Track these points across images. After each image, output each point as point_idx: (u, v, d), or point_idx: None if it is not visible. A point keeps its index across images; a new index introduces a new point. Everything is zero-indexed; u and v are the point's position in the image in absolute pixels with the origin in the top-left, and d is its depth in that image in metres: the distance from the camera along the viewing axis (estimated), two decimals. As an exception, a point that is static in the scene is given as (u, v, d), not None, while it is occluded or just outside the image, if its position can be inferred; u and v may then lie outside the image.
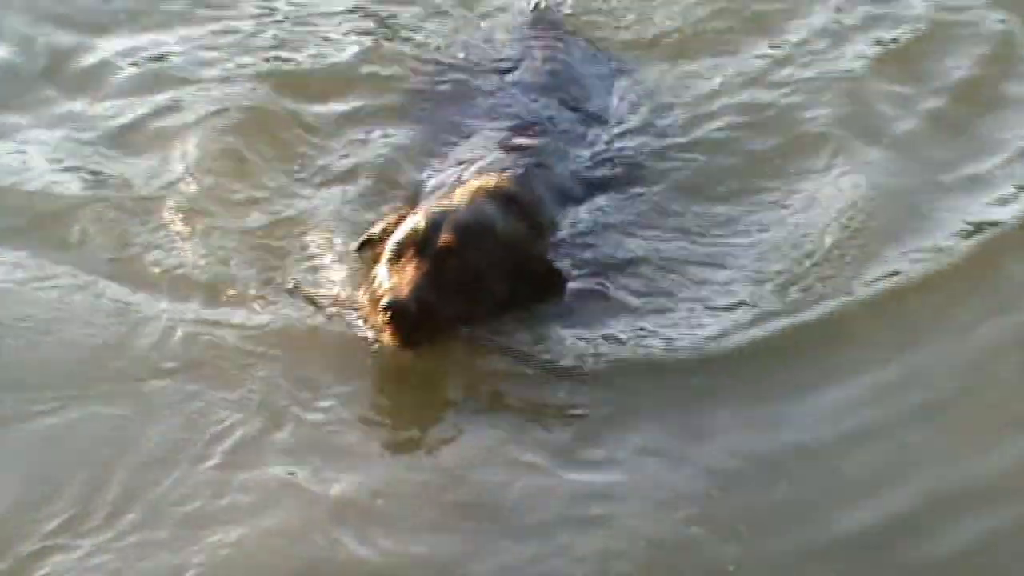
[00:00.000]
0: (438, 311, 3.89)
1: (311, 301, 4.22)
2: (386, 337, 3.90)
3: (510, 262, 4.13)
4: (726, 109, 5.68)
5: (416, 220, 4.09)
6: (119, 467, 3.69)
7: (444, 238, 3.99)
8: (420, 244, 4.00)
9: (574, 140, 5.02)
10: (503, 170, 4.53)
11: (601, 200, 4.73)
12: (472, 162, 4.70)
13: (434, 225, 4.04)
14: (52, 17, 6.42)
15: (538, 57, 5.63)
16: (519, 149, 4.74)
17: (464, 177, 4.55)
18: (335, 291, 4.25)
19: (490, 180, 4.42)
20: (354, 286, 4.25)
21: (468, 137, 5.05)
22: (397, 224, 4.19)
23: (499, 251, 4.13)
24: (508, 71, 5.61)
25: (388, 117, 5.55)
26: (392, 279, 3.96)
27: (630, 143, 5.20)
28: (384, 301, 3.84)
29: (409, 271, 3.94)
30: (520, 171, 4.55)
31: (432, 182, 4.74)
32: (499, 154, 4.71)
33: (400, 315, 3.82)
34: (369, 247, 4.31)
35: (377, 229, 4.32)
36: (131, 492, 3.60)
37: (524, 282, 4.14)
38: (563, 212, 4.58)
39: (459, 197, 4.29)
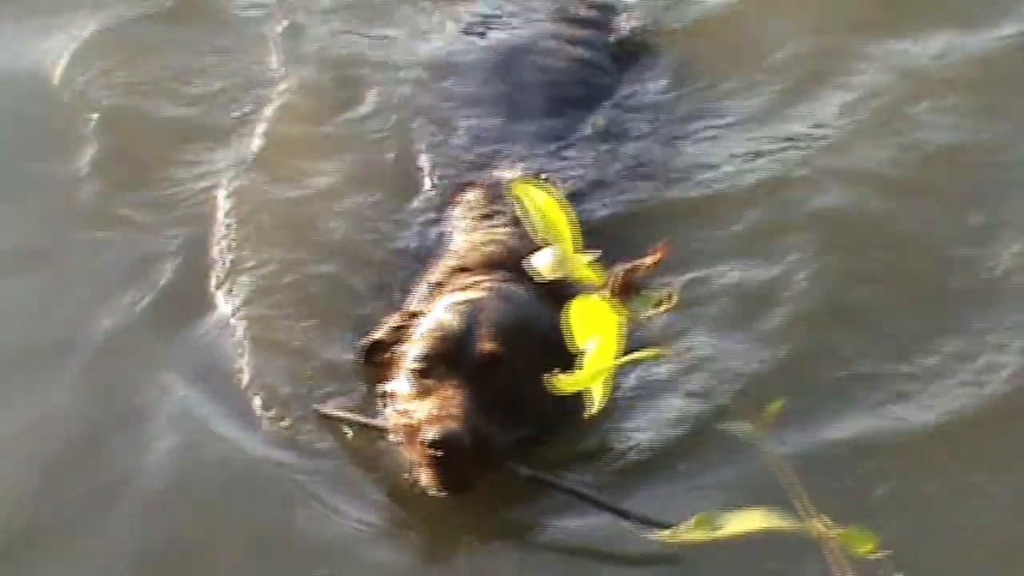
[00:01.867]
0: (493, 441, 3.11)
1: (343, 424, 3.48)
2: (431, 479, 3.10)
3: (558, 361, 3.29)
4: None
5: (441, 320, 3.31)
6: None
7: (485, 344, 3.22)
8: (454, 353, 3.22)
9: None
10: (508, 226, 3.73)
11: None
12: (468, 219, 3.93)
13: (467, 326, 3.26)
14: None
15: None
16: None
17: (467, 242, 3.79)
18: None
19: (503, 248, 3.65)
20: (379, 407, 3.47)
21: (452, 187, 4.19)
22: (407, 325, 3.43)
23: (546, 348, 2.87)
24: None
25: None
26: (428, 403, 3.13)
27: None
28: (428, 436, 3.01)
29: (449, 393, 3.12)
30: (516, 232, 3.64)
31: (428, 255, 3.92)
32: (493, 205, 3.90)
33: (452, 454, 3.00)
34: (373, 355, 3.50)
35: (381, 333, 3.51)
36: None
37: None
38: None
39: (478, 281, 3.50)
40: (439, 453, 2.99)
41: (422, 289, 3.65)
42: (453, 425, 3.01)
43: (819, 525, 1.54)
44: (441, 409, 3.06)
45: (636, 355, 1.71)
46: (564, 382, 1.65)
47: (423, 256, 3.92)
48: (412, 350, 3.28)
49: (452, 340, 3.23)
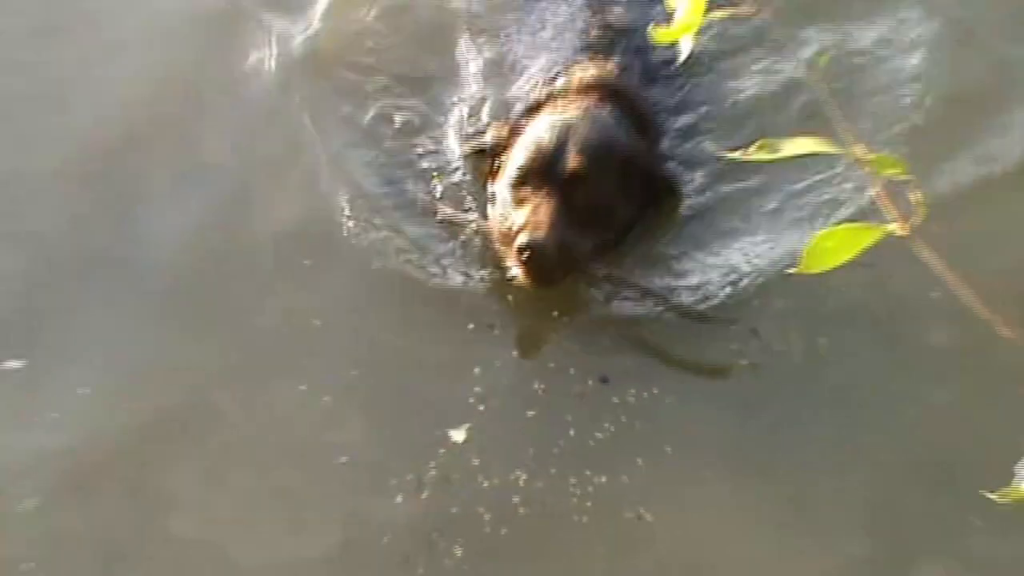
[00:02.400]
0: (576, 247, 3.59)
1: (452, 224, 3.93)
2: (523, 275, 3.58)
3: (637, 180, 3.77)
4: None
5: (538, 138, 3.72)
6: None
7: (573, 162, 3.62)
8: (546, 168, 3.64)
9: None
10: (602, 56, 4.11)
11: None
12: (564, 50, 4.23)
13: (559, 145, 3.66)
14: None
15: None
16: (609, 28, 4.27)
17: (564, 69, 4.10)
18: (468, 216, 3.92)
19: (596, 75, 4.01)
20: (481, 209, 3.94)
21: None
22: (509, 137, 3.87)
23: (626, 168, 3.75)
24: None
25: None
26: (523, 213, 3.61)
27: None
28: (521, 241, 3.50)
29: (540, 204, 3.58)
30: (620, 59, 4.11)
31: (530, 73, 4.25)
32: (592, 34, 4.25)
33: (539, 257, 3.50)
34: (479, 157, 3.99)
35: (488, 139, 3.96)
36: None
37: (648, 198, 3.82)
38: (665, 98, 4.22)
39: (572, 103, 3.87)
40: (529, 255, 3.50)
41: (527, 103, 4.04)
42: (540, 233, 3.50)
43: (858, 151, 1.83)
44: (532, 218, 3.56)
45: (721, 12, 2.00)
46: (661, 34, 1.90)
47: (530, 72, 4.26)
48: (512, 162, 3.74)
49: (545, 156, 3.66)
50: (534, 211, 3.58)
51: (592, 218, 3.66)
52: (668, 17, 1.91)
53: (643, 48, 4.19)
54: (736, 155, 1.91)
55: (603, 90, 3.93)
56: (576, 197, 3.62)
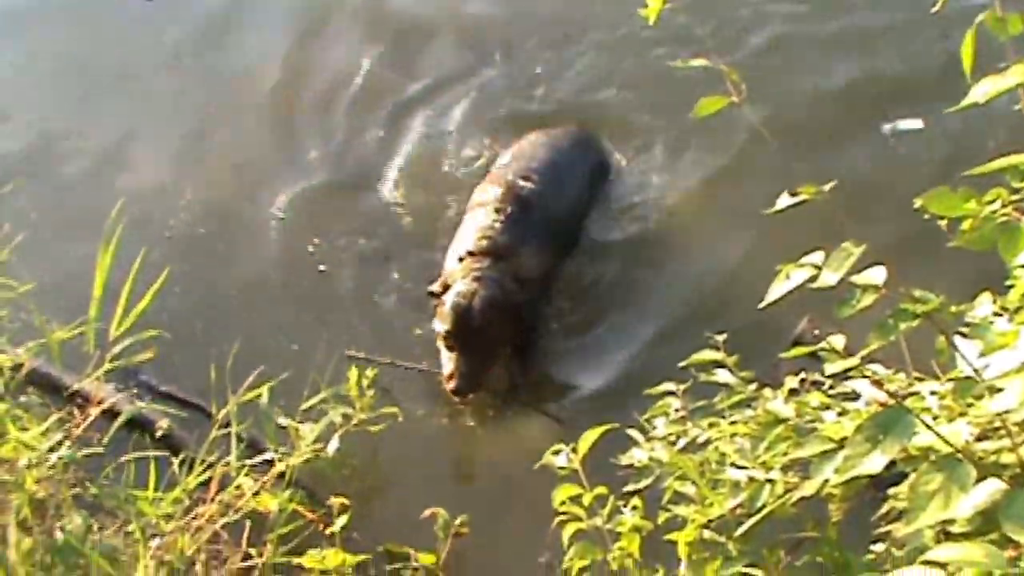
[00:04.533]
0: (481, 379, 4.95)
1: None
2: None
3: (513, 322, 5.06)
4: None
5: (447, 312, 4.95)
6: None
7: (473, 325, 4.90)
8: (455, 334, 4.91)
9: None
10: (492, 229, 5.27)
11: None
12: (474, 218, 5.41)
13: (461, 317, 4.91)
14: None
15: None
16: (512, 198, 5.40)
17: (467, 243, 5.26)
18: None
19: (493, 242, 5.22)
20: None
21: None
22: (443, 290, 5.07)
23: (508, 317, 5.03)
24: None
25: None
26: (448, 361, 4.95)
27: None
28: (449, 387, 4.90)
29: (455, 358, 4.91)
30: (505, 228, 5.28)
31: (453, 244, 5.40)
32: (492, 207, 5.39)
33: (463, 396, 4.95)
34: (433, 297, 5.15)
35: (436, 287, 5.13)
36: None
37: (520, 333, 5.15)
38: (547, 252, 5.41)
39: (474, 267, 5.09)
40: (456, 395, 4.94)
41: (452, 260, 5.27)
42: (460, 384, 4.90)
43: None
44: (454, 371, 4.91)
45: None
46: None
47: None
48: (439, 323, 5.02)
49: (454, 327, 4.94)
50: (455, 363, 4.92)
51: (489, 352, 5.00)
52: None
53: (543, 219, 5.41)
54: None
55: (495, 254, 5.18)
56: (477, 348, 4.94)
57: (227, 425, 4.02)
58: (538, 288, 5.26)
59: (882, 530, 2.71)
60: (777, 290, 2.38)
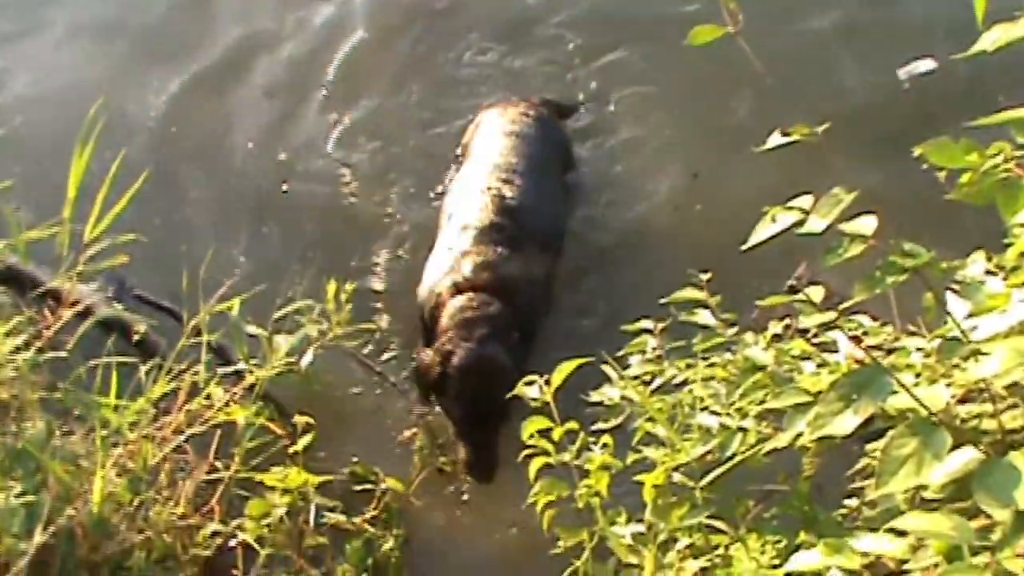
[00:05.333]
0: (492, 458, 4.18)
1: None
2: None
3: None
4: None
5: (460, 396, 4.21)
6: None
7: (495, 407, 3.96)
8: (474, 419, 4.21)
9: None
10: (496, 244, 4.58)
11: None
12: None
13: (480, 400, 4.15)
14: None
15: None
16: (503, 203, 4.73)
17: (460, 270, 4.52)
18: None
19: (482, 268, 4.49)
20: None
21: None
22: (442, 359, 4.24)
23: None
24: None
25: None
26: (465, 449, 4.23)
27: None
28: (471, 476, 4.23)
29: (472, 440, 4.21)
30: (504, 249, 4.57)
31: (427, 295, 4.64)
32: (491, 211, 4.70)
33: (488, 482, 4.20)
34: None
35: (428, 356, 4.30)
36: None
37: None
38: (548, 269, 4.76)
39: (470, 335, 4.28)
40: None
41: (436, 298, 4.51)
42: (484, 471, 4.19)
43: None
44: (472, 458, 4.20)
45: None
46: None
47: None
48: (452, 409, 4.29)
49: (476, 405, 4.17)
50: (472, 448, 4.20)
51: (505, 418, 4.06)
52: None
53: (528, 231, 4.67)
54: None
55: (488, 283, 4.42)
56: (495, 420, 4.09)
57: (198, 334, 3.93)
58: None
59: (856, 486, 2.65)
60: (762, 232, 2.29)
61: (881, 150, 4.72)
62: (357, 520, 3.85)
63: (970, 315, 2.18)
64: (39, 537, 3.10)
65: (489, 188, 4.75)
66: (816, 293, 2.39)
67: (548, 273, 4.73)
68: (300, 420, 3.81)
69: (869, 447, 2.62)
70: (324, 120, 5.87)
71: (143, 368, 3.80)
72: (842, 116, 4.44)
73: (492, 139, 5.07)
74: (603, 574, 2.92)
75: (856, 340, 2.13)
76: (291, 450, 3.79)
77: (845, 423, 1.87)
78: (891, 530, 1.85)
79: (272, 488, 3.62)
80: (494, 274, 4.44)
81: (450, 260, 4.54)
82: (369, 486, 3.94)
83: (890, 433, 1.90)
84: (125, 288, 4.63)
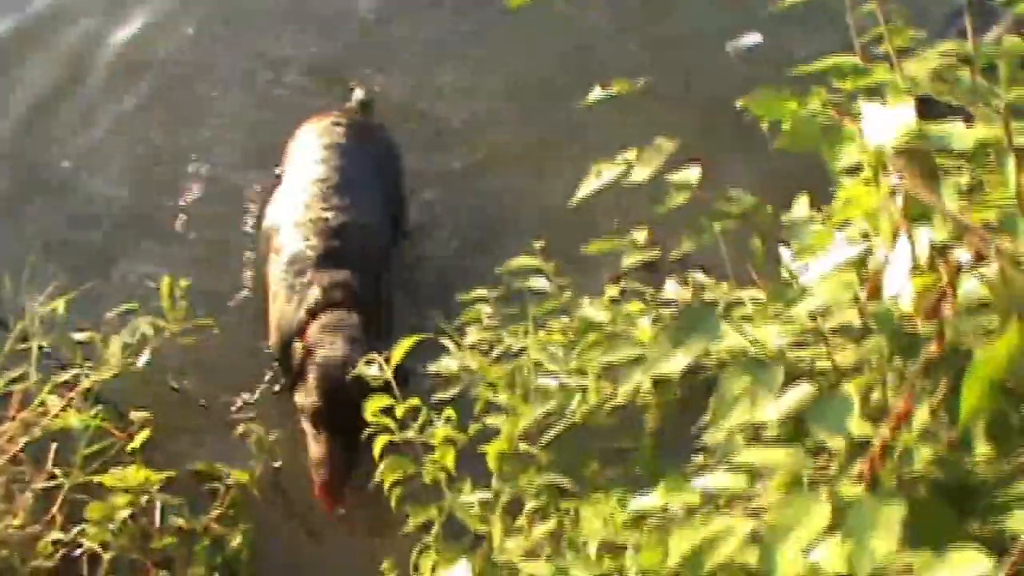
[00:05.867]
0: (352, 467, 3.99)
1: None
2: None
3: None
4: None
5: (318, 388, 4.07)
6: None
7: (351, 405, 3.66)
8: (329, 416, 4.02)
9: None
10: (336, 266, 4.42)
11: None
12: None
13: (337, 392, 3.99)
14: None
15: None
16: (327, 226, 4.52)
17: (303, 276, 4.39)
18: None
19: (338, 295, 4.33)
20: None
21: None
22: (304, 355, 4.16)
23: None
24: None
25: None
26: (319, 446, 4.03)
27: None
28: (321, 478, 4.00)
29: (326, 440, 4.02)
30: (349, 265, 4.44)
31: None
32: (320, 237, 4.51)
33: (337, 489, 4.01)
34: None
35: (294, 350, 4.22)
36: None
37: None
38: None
39: (332, 340, 4.16)
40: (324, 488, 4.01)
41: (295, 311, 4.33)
42: (337, 474, 4.00)
43: None
44: (325, 456, 4.01)
45: None
46: None
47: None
48: (307, 402, 4.10)
49: (323, 405, 4.05)
50: (326, 448, 4.01)
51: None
52: None
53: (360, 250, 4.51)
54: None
55: (346, 305, 4.28)
56: (353, 426, 3.55)
57: (25, 339, 3.79)
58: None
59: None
60: (587, 187, 2.28)
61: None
62: (204, 519, 3.75)
63: (797, 257, 2.21)
64: None
65: (309, 216, 4.56)
66: (640, 235, 2.40)
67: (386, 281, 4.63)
68: (137, 416, 3.70)
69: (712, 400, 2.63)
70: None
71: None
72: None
73: (307, 156, 4.87)
74: (455, 551, 2.89)
75: (684, 282, 2.14)
76: (128, 448, 3.67)
77: (676, 362, 1.87)
78: (731, 467, 1.86)
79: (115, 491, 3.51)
80: (345, 291, 4.32)
81: (295, 298, 4.37)
82: (215, 484, 3.83)
83: (722, 373, 1.90)
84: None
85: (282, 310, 4.37)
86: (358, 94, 5.36)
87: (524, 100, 5.59)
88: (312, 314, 4.25)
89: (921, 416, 1.86)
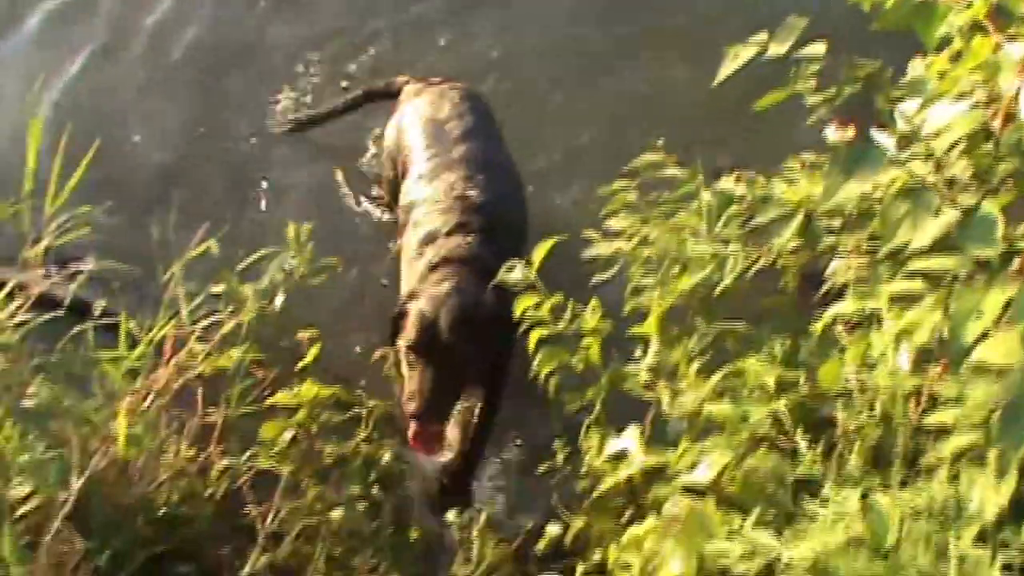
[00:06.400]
0: (447, 405, 4.13)
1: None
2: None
3: (496, 340, 4.16)
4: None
5: (412, 322, 4.12)
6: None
7: (442, 338, 4.05)
8: (420, 348, 4.07)
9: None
10: (466, 233, 4.46)
11: None
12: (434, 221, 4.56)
13: (427, 327, 4.07)
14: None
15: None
16: (470, 202, 4.56)
17: (434, 245, 4.47)
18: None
19: (459, 252, 4.39)
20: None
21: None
22: (407, 306, 4.23)
23: (485, 331, 4.12)
24: None
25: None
26: (411, 381, 4.08)
27: None
28: (408, 409, 4.04)
29: (418, 377, 4.05)
30: (479, 234, 4.45)
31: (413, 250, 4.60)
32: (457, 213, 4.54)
33: (417, 419, 4.06)
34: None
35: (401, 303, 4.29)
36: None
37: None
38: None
39: (442, 276, 4.28)
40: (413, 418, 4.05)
41: (419, 271, 4.42)
42: (422, 407, 4.01)
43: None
44: (412, 393, 4.04)
45: None
46: None
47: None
48: (404, 335, 4.15)
49: (422, 331, 4.08)
50: (417, 382, 4.04)
51: (459, 374, 4.12)
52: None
53: (498, 224, 4.52)
54: None
55: (464, 262, 4.33)
56: (447, 363, 4.04)
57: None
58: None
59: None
60: (727, 68, 2.57)
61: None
62: (350, 444, 4.01)
63: (920, 109, 2.49)
64: (76, 483, 3.25)
65: (453, 190, 4.61)
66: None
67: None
68: (304, 335, 3.98)
69: (829, 271, 2.91)
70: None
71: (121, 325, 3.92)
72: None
73: (431, 127, 4.90)
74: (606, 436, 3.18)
75: (843, 123, 2.40)
76: (298, 366, 3.96)
77: (850, 190, 2.15)
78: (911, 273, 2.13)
79: (273, 417, 3.81)
80: (464, 250, 4.39)
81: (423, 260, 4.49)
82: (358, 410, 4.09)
83: (884, 202, 2.19)
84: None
85: (411, 267, 4.54)
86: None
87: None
88: (432, 268, 4.37)
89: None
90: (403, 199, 4.78)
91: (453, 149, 4.73)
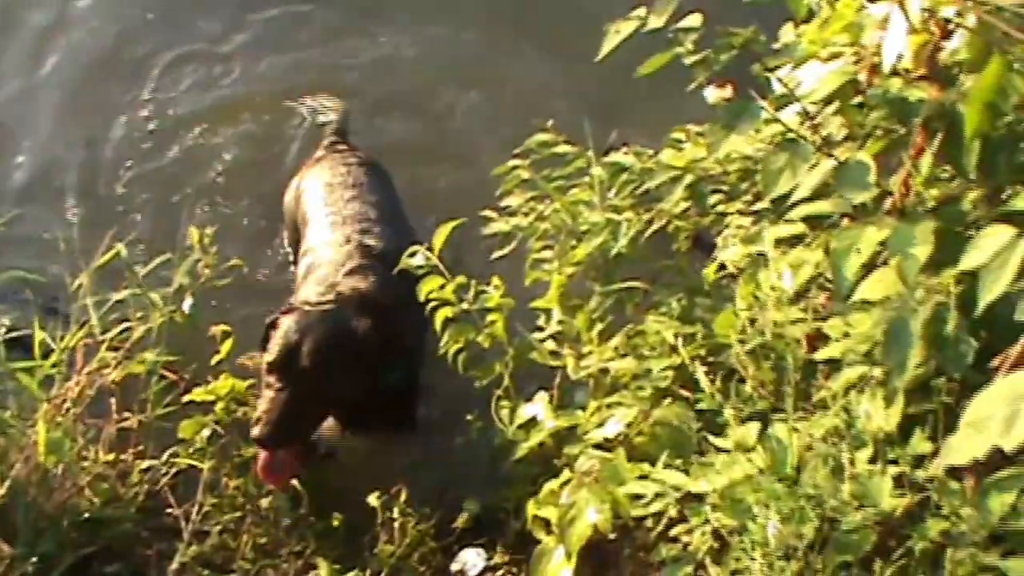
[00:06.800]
0: (295, 434, 3.82)
1: None
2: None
3: (365, 375, 3.92)
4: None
5: (275, 340, 3.87)
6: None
7: (303, 361, 3.78)
8: (277, 368, 3.80)
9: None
10: (362, 272, 4.25)
11: None
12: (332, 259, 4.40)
13: (289, 349, 3.80)
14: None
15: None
16: (368, 249, 4.39)
17: (325, 277, 4.29)
18: None
19: (353, 285, 4.18)
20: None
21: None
22: (277, 319, 3.98)
23: (356, 368, 3.87)
24: None
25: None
26: (261, 402, 3.79)
27: None
28: (253, 432, 3.72)
29: (271, 398, 3.76)
30: (376, 275, 4.22)
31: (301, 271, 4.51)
32: (356, 255, 4.37)
33: (262, 445, 3.77)
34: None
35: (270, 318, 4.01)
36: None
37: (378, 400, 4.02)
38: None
39: (322, 307, 4.03)
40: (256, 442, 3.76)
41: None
42: (266, 431, 3.70)
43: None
44: (263, 411, 3.73)
45: None
46: None
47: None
48: (266, 356, 3.85)
49: (286, 352, 3.78)
50: (268, 404, 3.74)
51: (316, 403, 3.83)
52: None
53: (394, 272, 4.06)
54: None
55: (352, 297, 4.06)
56: (303, 389, 3.75)
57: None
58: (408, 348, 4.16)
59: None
60: (609, 43, 2.70)
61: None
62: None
63: (793, 69, 2.65)
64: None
65: (352, 238, 4.46)
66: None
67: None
68: (217, 330, 4.02)
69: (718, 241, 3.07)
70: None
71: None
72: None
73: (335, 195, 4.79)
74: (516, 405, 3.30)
75: (721, 84, 2.55)
76: (214, 360, 4.00)
77: (733, 143, 2.30)
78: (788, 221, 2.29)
79: (191, 415, 3.87)
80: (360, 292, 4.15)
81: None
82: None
83: (762, 154, 2.34)
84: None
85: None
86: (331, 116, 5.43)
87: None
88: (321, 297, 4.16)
89: (926, 163, 2.32)
90: (302, 250, 4.66)
91: (347, 207, 4.64)
